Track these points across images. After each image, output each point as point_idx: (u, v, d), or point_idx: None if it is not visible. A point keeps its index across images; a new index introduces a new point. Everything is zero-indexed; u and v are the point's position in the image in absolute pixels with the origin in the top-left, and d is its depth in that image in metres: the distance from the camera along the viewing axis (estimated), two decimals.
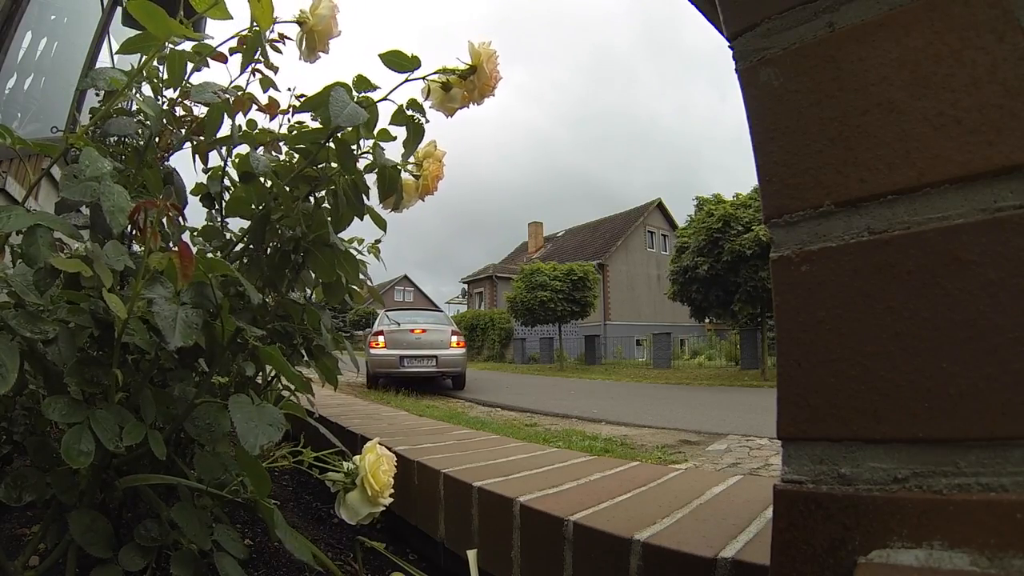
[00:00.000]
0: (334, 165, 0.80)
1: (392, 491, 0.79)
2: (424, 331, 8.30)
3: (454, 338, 8.48)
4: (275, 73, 0.91)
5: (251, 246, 0.84)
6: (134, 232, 0.56)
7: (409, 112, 0.78)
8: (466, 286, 32.04)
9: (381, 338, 8.18)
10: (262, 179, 0.80)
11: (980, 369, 0.32)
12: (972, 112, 0.33)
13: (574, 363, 19.44)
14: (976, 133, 0.33)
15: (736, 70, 0.43)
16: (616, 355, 21.69)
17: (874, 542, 0.34)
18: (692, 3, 0.65)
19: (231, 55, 0.83)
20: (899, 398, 0.34)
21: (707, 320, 14.92)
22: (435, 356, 8.11)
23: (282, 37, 0.86)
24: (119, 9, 2.57)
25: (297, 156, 0.83)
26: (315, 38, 0.81)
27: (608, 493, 0.77)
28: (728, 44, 0.44)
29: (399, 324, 8.48)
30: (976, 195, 0.33)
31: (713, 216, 12.64)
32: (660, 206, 29.14)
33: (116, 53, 0.76)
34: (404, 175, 0.85)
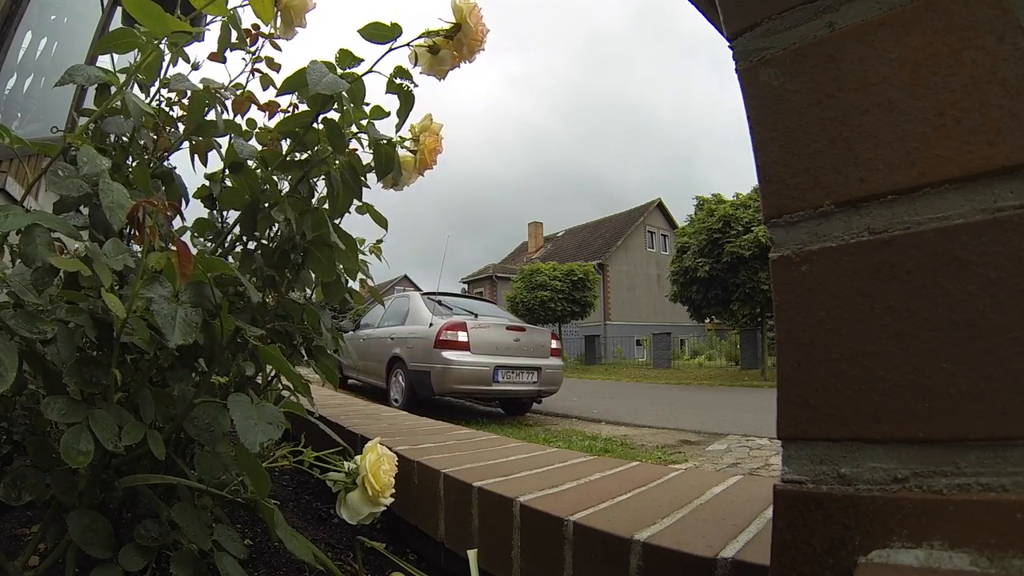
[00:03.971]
0: (328, 148, 0.79)
1: (393, 491, 0.79)
2: (524, 330, 5.60)
3: (554, 343, 5.91)
4: (277, 72, 0.91)
5: (243, 236, 0.83)
6: (132, 232, 0.56)
7: (398, 81, 0.76)
8: (466, 286, 32.05)
9: (462, 335, 5.11)
10: (253, 168, 0.79)
11: (980, 369, 0.32)
12: (972, 112, 0.33)
13: (574, 363, 19.44)
14: (976, 133, 0.33)
15: (736, 70, 0.43)
16: (616, 355, 21.72)
17: (874, 542, 0.34)
18: (692, 3, 0.65)
19: (231, 51, 0.83)
20: (899, 398, 0.34)
21: (707, 320, 14.95)
22: (537, 368, 5.46)
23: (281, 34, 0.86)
24: (119, 9, 2.57)
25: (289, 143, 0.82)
26: (290, 13, 0.81)
27: (608, 493, 0.77)
28: (728, 44, 0.44)
29: (475, 315, 5.59)
30: (976, 195, 0.33)
31: (714, 216, 12.67)
32: (660, 206, 29.18)
33: (97, 52, 0.76)
34: (401, 152, 0.83)
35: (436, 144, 0.83)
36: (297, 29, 0.83)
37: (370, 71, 0.75)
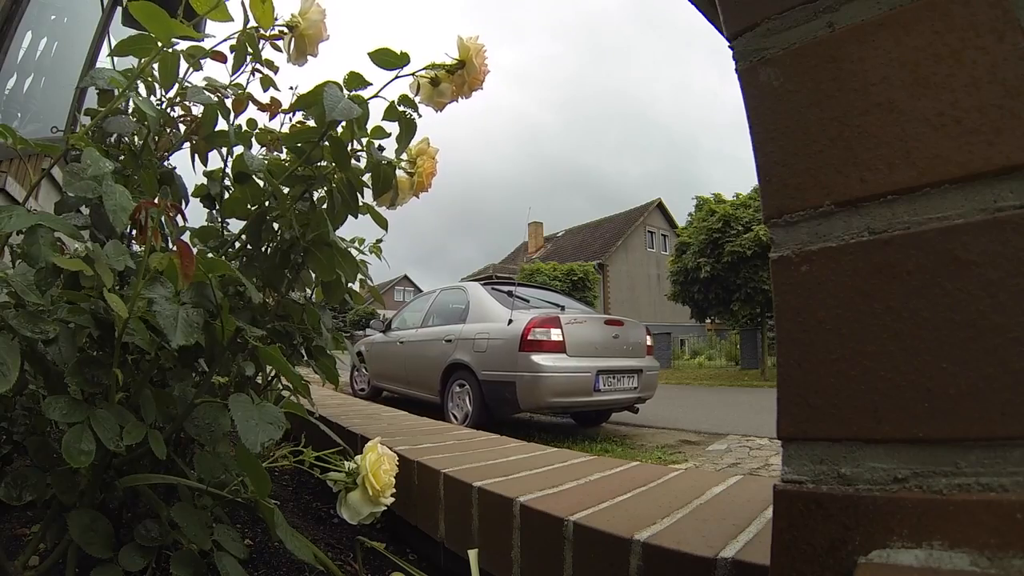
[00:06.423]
0: (330, 163, 0.80)
1: (394, 490, 0.79)
2: (622, 324, 4.52)
3: (648, 340, 4.80)
4: (275, 73, 0.91)
5: (248, 245, 0.84)
6: (134, 232, 0.57)
7: (401, 108, 0.78)
8: None
9: (556, 333, 3.96)
10: (258, 179, 0.80)
11: (980, 369, 0.32)
12: (972, 112, 0.33)
13: None
14: (976, 133, 0.33)
15: (736, 70, 0.43)
16: None
17: (874, 542, 0.34)
18: (692, 3, 0.65)
19: (232, 52, 0.84)
20: (899, 398, 0.34)
21: (708, 320, 14.97)
22: (637, 371, 4.41)
23: (282, 34, 0.86)
24: (119, 9, 2.57)
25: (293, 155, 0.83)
26: (305, 42, 0.83)
27: (608, 493, 0.77)
28: (728, 44, 0.44)
29: (562, 308, 4.56)
30: (976, 195, 0.33)
31: (714, 215, 12.68)
32: (660, 206, 29.19)
33: (111, 55, 0.78)
34: (398, 172, 0.86)
35: (432, 167, 0.86)
36: (309, 57, 0.84)
37: (377, 95, 0.76)
